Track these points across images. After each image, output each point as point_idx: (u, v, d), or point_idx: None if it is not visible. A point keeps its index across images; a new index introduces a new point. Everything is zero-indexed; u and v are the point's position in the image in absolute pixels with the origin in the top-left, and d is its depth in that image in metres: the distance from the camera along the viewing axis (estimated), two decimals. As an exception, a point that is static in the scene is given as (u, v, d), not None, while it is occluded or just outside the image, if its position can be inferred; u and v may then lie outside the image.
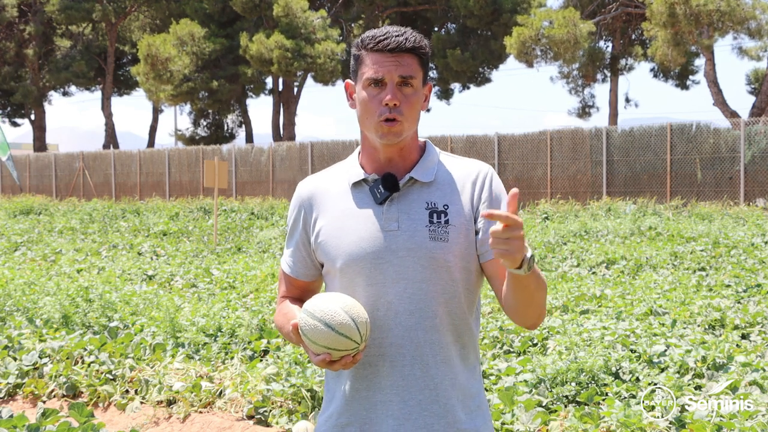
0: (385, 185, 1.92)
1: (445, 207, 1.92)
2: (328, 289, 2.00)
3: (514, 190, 1.69)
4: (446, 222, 1.90)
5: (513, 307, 1.86)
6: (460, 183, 1.95)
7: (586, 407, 4.19)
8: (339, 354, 1.81)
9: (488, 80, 34.89)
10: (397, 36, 1.88)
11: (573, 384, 4.46)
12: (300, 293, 2.07)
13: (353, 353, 1.82)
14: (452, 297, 1.91)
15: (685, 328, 5.77)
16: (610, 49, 31.67)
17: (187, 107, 36.80)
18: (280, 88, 34.02)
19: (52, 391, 5.31)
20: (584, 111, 33.25)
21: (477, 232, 1.93)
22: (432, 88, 2.02)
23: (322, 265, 2.01)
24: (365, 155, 1.99)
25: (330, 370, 1.85)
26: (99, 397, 5.17)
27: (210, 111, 37.03)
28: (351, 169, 2.00)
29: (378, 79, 1.88)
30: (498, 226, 1.66)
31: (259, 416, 4.64)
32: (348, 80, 2.00)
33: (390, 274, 1.89)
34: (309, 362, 5.00)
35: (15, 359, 5.73)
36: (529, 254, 1.71)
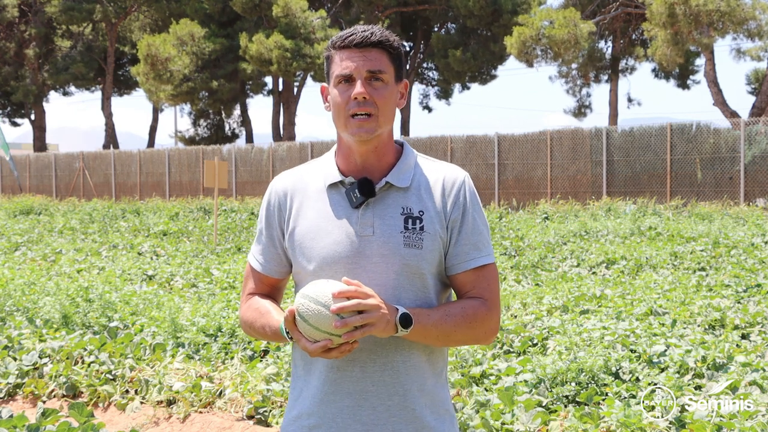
0: (361, 190, 1.90)
1: (421, 213, 1.91)
2: (300, 289, 1.98)
3: (347, 286, 1.78)
4: (421, 229, 1.89)
5: (430, 344, 1.94)
6: (436, 189, 1.94)
7: (586, 407, 4.19)
8: (339, 341, 1.79)
9: (491, 78, 34.91)
10: (363, 32, 1.89)
11: (573, 384, 4.46)
12: (269, 290, 2.05)
13: (352, 340, 1.80)
14: (424, 303, 1.91)
15: (685, 328, 5.77)
16: (610, 49, 31.69)
17: (187, 107, 36.83)
18: (280, 88, 34.03)
19: (52, 391, 5.31)
20: (580, 111, 33.25)
21: (445, 244, 1.93)
22: (408, 85, 1.99)
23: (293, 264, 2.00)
24: (341, 156, 1.97)
25: (325, 358, 1.83)
26: (99, 397, 5.17)
27: (210, 111, 37.05)
28: (327, 168, 1.97)
29: (346, 75, 1.88)
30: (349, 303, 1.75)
31: (259, 416, 4.64)
32: (323, 84, 1.99)
33: (363, 280, 1.87)
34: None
35: (15, 359, 5.73)
36: (399, 314, 1.80)
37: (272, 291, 2.06)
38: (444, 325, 1.86)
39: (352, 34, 1.89)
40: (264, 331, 1.95)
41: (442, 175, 1.96)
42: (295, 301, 1.85)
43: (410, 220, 1.90)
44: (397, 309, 1.81)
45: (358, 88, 1.86)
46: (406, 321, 1.80)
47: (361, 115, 1.87)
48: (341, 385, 1.90)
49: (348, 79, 1.88)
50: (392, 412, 1.89)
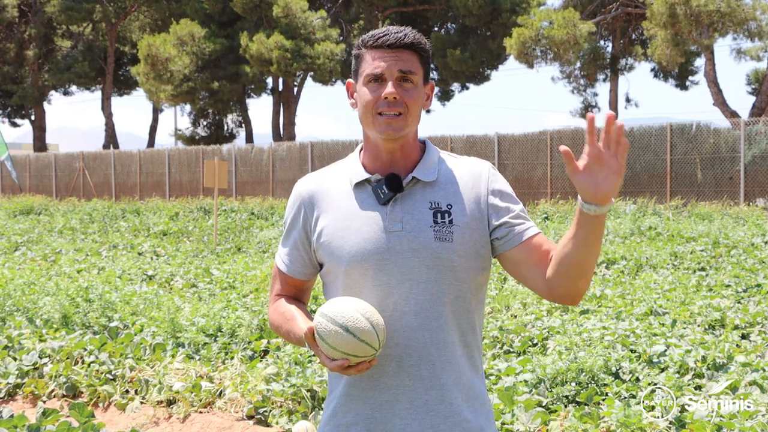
0: (388, 186, 1.91)
1: (449, 207, 1.91)
2: (330, 290, 1.99)
3: (611, 114, 1.69)
4: (450, 222, 1.90)
5: (573, 269, 1.80)
6: (462, 182, 1.95)
7: (586, 407, 4.19)
8: (357, 360, 1.80)
9: (487, 79, 34.90)
10: (397, 33, 1.91)
11: (573, 384, 4.46)
12: (295, 291, 2.07)
13: (370, 359, 1.82)
14: (457, 297, 1.91)
15: (685, 328, 5.77)
16: (609, 49, 31.69)
17: (187, 107, 36.82)
18: (280, 88, 34.03)
19: (52, 391, 5.31)
20: (587, 110, 33.21)
21: (494, 228, 1.92)
22: (434, 87, 2.02)
23: (321, 265, 2.00)
24: (367, 154, 1.98)
25: (344, 375, 1.85)
26: (99, 397, 5.18)
27: (210, 111, 37.04)
28: (353, 168, 1.99)
29: (378, 74, 1.89)
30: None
31: (259, 416, 4.64)
32: (349, 80, 2.00)
33: (395, 275, 1.88)
34: (309, 362, 5.00)
35: (15, 359, 5.73)
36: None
37: (298, 292, 2.07)
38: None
39: (385, 34, 1.90)
40: (288, 336, 1.97)
41: (467, 168, 1.98)
42: (315, 317, 1.85)
43: (439, 214, 1.90)
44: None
45: (389, 88, 1.87)
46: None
47: (390, 114, 1.88)
48: (378, 380, 1.90)
49: (378, 79, 1.89)
50: (430, 407, 1.89)
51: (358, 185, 1.95)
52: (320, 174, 2.04)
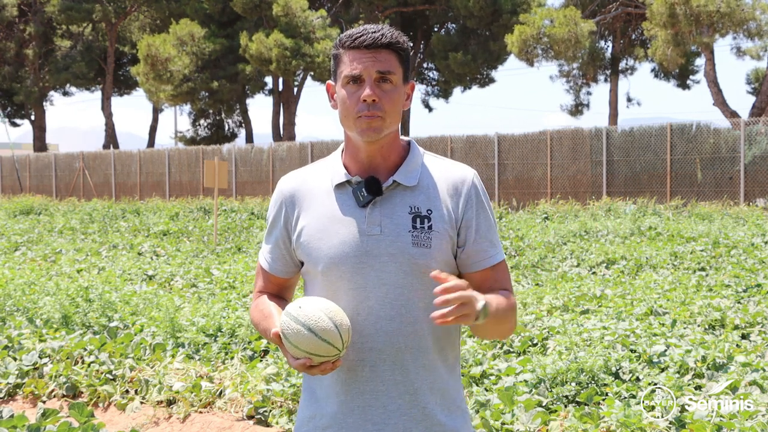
0: (368, 188, 1.90)
1: (429, 212, 1.90)
2: (308, 289, 1.99)
3: (436, 274, 1.76)
4: (429, 228, 1.89)
5: (481, 335, 1.98)
6: (443, 188, 1.93)
7: (586, 407, 4.19)
8: (320, 359, 1.80)
9: (491, 81, 34.91)
10: (374, 32, 1.87)
11: (573, 384, 4.46)
12: (277, 289, 2.06)
13: (333, 359, 1.81)
14: (432, 303, 1.90)
15: (685, 328, 5.77)
16: (610, 49, 31.68)
17: (187, 107, 36.82)
18: (280, 88, 34.03)
19: (52, 391, 5.31)
20: (577, 109, 33.16)
21: (459, 244, 1.93)
22: (414, 86, 1.99)
23: (302, 264, 1.99)
24: (348, 155, 1.97)
25: (308, 374, 1.85)
26: (99, 397, 5.17)
27: (210, 111, 37.04)
28: (334, 168, 1.97)
29: (356, 75, 1.87)
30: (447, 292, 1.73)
31: (259, 416, 4.64)
32: (329, 81, 1.98)
33: (371, 279, 1.88)
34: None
35: (15, 359, 5.73)
36: (480, 306, 1.76)
37: (280, 290, 2.07)
38: (501, 313, 1.86)
39: (362, 35, 1.87)
40: (266, 334, 1.97)
41: (450, 175, 1.95)
42: (281, 316, 1.86)
43: (418, 219, 1.89)
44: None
45: (367, 90, 1.86)
46: (485, 309, 1.78)
47: (370, 116, 1.87)
48: (351, 385, 1.90)
49: (356, 80, 1.87)
50: (403, 411, 1.89)
51: (339, 186, 1.94)
52: (303, 172, 2.03)
